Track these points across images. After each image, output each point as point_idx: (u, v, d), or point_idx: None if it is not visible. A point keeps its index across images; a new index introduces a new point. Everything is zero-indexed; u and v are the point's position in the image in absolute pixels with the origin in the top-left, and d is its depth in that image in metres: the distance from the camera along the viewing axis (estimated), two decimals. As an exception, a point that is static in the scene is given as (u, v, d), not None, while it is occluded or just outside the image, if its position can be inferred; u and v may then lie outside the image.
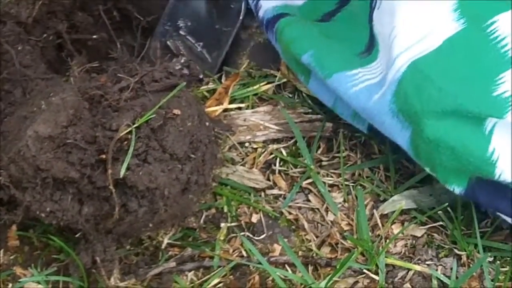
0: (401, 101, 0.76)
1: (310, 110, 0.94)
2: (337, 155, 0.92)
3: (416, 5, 0.76)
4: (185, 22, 0.99)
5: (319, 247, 0.87)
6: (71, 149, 0.75)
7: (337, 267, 0.80)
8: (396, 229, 0.86)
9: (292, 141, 0.93)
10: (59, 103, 0.76)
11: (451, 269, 0.83)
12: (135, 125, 0.75)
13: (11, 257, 0.86)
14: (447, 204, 0.84)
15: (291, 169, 0.91)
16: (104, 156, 0.76)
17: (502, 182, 0.73)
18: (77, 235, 0.80)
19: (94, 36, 1.00)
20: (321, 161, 0.92)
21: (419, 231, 0.86)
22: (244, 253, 0.86)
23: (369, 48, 0.85)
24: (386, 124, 0.79)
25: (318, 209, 0.89)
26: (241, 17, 0.99)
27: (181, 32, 0.99)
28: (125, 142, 0.76)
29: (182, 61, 0.84)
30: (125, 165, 0.74)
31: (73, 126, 0.75)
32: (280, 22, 0.91)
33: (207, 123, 0.83)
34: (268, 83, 0.97)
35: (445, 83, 0.73)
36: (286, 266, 0.85)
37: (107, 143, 0.75)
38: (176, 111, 0.78)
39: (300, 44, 0.88)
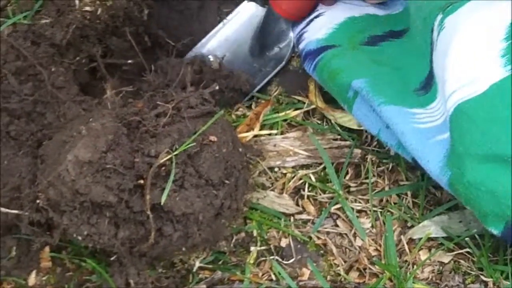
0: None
1: (338, 137, 0.96)
2: (365, 181, 0.93)
3: (465, 49, 0.77)
4: (223, 53, 1.01)
5: (347, 272, 0.88)
6: (109, 174, 0.76)
7: (366, 292, 0.82)
8: (423, 255, 0.87)
9: (321, 166, 0.94)
10: (99, 128, 0.77)
11: (478, 295, 0.84)
12: (175, 153, 0.76)
13: (43, 278, 0.87)
14: (475, 231, 0.85)
15: (320, 194, 0.92)
16: (141, 182, 0.77)
17: None
18: (111, 258, 0.81)
19: (129, 61, 1.02)
20: (349, 187, 0.93)
21: (446, 258, 0.87)
22: (273, 276, 0.87)
23: (426, 86, 0.86)
24: (430, 164, 0.80)
25: (346, 234, 0.90)
26: (284, 63, 1.01)
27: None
28: (163, 168, 0.77)
29: (217, 88, 0.86)
30: (166, 192, 0.75)
31: (112, 151, 0.77)
32: (326, 53, 0.93)
33: (240, 149, 0.85)
34: (296, 109, 0.98)
35: (488, 128, 0.74)
36: (315, 290, 0.86)
37: (145, 168, 0.77)
38: (213, 138, 0.80)
39: (351, 71, 0.90)
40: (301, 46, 0.97)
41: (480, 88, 0.76)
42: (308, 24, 0.98)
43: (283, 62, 1.01)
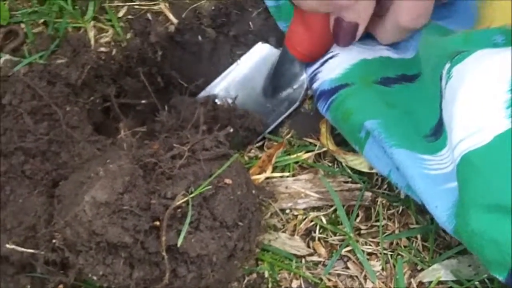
0: None
1: (349, 179, 0.97)
2: (375, 223, 0.94)
3: (471, 98, 0.79)
4: (236, 93, 1.02)
5: (358, 314, 0.89)
6: (126, 215, 0.77)
7: (377, 335, 0.82)
8: (433, 298, 0.88)
9: (332, 209, 0.95)
10: (116, 170, 0.78)
11: None
12: (191, 195, 0.77)
13: (57, 317, 0.88)
14: (485, 275, 0.85)
15: (331, 236, 0.93)
16: (157, 223, 0.78)
17: None
18: (126, 298, 0.82)
19: (143, 101, 1.03)
20: (360, 229, 0.94)
21: (456, 301, 0.88)
22: (284, 318, 0.88)
23: (435, 133, 0.87)
24: (438, 209, 0.81)
25: (357, 276, 0.91)
26: (297, 103, 1.02)
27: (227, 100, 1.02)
28: (179, 210, 0.78)
29: (231, 130, 0.87)
30: (182, 234, 0.76)
31: (129, 193, 0.78)
32: (339, 93, 0.94)
33: (253, 191, 0.86)
34: (308, 151, 0.99)
35: (492, 178, 0.75)
36: (326, 332, 0.87)
37: (161, 210, 0.78)
38: (228, 181, 0.81)
39: (363, 112, 0.91)
40: (314, 86, 0.98)
41: (486, 139, 0.77)
42: (322, 64, 0.99)
43: (297, 103, 1.02)
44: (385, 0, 0.91)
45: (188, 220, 0.77)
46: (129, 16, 1.11)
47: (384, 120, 0.90)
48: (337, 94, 0.94)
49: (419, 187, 0.84)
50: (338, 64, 0.98)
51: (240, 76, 1.06)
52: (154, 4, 1.11)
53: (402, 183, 0.90)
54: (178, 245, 0.77)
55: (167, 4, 1.11)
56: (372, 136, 0.90)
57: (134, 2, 1.12)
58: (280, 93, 1.03)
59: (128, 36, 1.08)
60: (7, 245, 0.81)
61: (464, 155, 0.78)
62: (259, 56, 1.06)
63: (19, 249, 0.81)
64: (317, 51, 1.00)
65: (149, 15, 1.10)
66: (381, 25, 0.95)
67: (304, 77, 1.02)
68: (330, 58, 0.99)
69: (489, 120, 0.77)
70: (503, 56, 0.80)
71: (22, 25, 1.08)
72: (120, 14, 1.11)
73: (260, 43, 1.06)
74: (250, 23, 1.09)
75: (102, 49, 1.05)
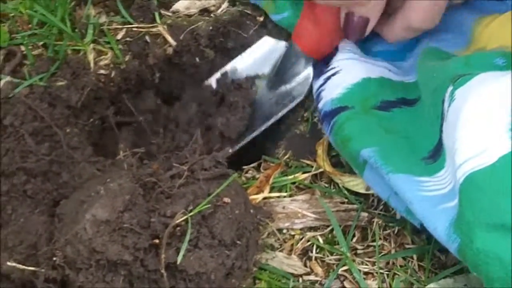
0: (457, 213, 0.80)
1: (346, 200, 0.98)
2: (372, 244, 0.95)
3: (475, 120, 0.80)
4: None
5: (354, 333, 0.89)
6: (126, 233, 0.78)
7: None
8: (429, 317, 0.89)
9: (329, 229, 0.96)
10: (116, 188, 0.80)
11: None
12: (190, 214, 0.78)
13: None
14: (480, 294, 0.87)
15: (328, 256, 0.94)
16: (157, 241, 0.79)
17: None
18: (125, 315, 0.83)
19: (140, 118, 1.04)
20: (357, 249, 0.95)
21: (452, 320, 0.89)
22: (281, 337, 0.89)
23: (434, 155, 0.88)
24: (437, 230, 0.82)
25: (353, 295, 0.92)
26: (302, 97, 1.02)
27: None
28: (178, 228, 0.79)
29: (230, 150, 0.88)
30: (182, 252, 0.77)
31: (129, 211, 0.79)
32: (339, 116, 0.95)
33: (251, 211, 0.87)
34: (305, 172, 1.00)
35: (496, 198, 0.76)
36: None
37: (161, 228, 0.79)
38: (226, 200, 0.82)
39: (361, 140, 0.92)
40: (319, 105, 0.99)
41: (490, 160, 0.77)
42: (325, 81, 1.00)
43: (301, 97, 1.03)
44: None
45: (187, 238, 0.78)
46: (128, 39, 1.12)
47: (380, 147, 0.91)
48: (337, 118, 0.96)
49: (417, 210, 0.85)
50: (340, 82, 0.99)
51: (245, 68, 1.07)
52: (153, 27, 1.13)
53: (401, 208, 0.91)
54: (178, 263, 0.78)
55: (165, 26, 1.13)
56: (369, 163, 0.91)
57: (133, 24, 1.14)
58: (284, 86, 1.04)
59: (127, 58, 1.09)
60: (8, 263, 0.82)
61: (468, 175, 0.78)
62: (265, 49, 1.07)
63: (20, 266, 0.82)
64: (325, 47, 1.01)
65: (147, 37, 1.12)
66: (389, 24, 0.97)
67: (309, 71, 1.03)
68: (333, 75, 1.00)
69: (493, 142, 0.78)
70: (505, 79, 0.81)
71: (22, 47, 1.09)
72: (119, 36, 1.13)
73: (266, 36, 1.07)
74: (249, 41, 1.11)
75: (102, 71, 1.07)
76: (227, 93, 1.06)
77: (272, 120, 1.03)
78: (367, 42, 1.05)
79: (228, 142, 1.03)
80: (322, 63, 1.03)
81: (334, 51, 1.02)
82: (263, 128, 1.03)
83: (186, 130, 1.05)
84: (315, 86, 1.02)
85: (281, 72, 1.04)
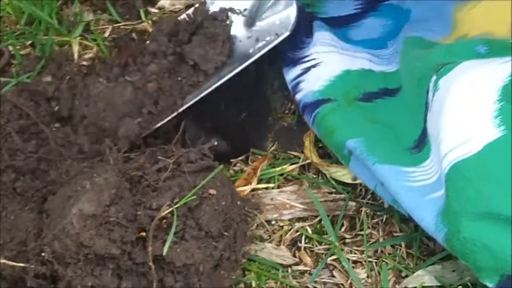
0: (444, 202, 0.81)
1: (333, 190, 0.98)
2: (360, 233, 0.95)
3: (460, 109, 0.80)
4: None
5: (344, 322, 0.90)
6: (113, 227, 0.79)
7: None
8: (418, 304, 0.90)
9: (317, 219, 0.97)
10: (102, 183, 0.80)
11: None
12: (176, 206, 0.79)
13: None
14: (468, 279, 0.87)
15: (316, 246, 0.95)
16: (144, 234, 0.80)
17: None
18: (115, 308, 0.83)
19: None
20: (345, 238, 0.95)
21: (440, 306, 0.90)
22: (272, 327, 0.89)
23: (419, 145, 0.89)
24: (424, 221, 0.83)
25: (342, 284, 0.92)
26: (288, 32, 0.98)
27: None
28: (164, 221, 0.80)
29: (216, 143, 0.89)
30: (167, 243, 0.78)
31: (115, 205, 0.80)
32: (322, 107, 0.96)
33: (238, 202, 0.87)
34: (292, 164, 1.01)
35: (482, 186, 0.77)
36: None
37: (147, 221, 0.80)
38: (212, 191, 0.83)
39: (345, 131, 0.93)
40: (297, 96, 0.99)
41: (475, 148, 0.78)
42: (304, 72, 1.00)
43: (286, 34, 0.98)
44: None
45: (173, 229, 0.79)
46: (114, 35, 1.13)
47: (365, 138, 0.92)
48: (320, 108, 0.96)
49: (404, 200, 0.86)
50: (320, 74, 0.99)
51: (221, 2, 1.02)
52: (138, 23, 1.14)
53: (388, 198, 0.91)
54: (163, 254, 0.78)
55: (149, 22, 1.13)
56: (354, 154, 0.92)
57: (120, 23, 1.14)
58: (265, 23, 1.01)
59: (113, 54, 1.10)
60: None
61: (453, 165, 0.79)
62: None
63: (10, 263, 0.82)
64: None
65: (133, 34, 1.12)
66: None
67: (290, 11, 0.98)
68: (313, 66, 1.00)
69: (478, 130, 0.79)
70: (488, 67, 0.82)
71: (10, 47, 1.10)
72: (106, 34, 1.13)
73: None
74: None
75: (84, 63, 1.07)
76: (204, 24, 1.01)
77: (256, 57, 0.99)
78: (348, 31, 1.06)
79: (202, 75, 0.99)
80: (294, 48, 1.03)
81: (307, 39, 1.02)
82: (244, 65, 0.98)
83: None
84: (291, 75, 1.02)
85: (260, 10, 1.00)
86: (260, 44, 0.99)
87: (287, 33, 0.98)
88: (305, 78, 1.00)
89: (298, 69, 1.01)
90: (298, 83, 1.00)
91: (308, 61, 1.01)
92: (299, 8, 0.98)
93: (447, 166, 0.80)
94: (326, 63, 1.00)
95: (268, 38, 0.99)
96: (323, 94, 0.97)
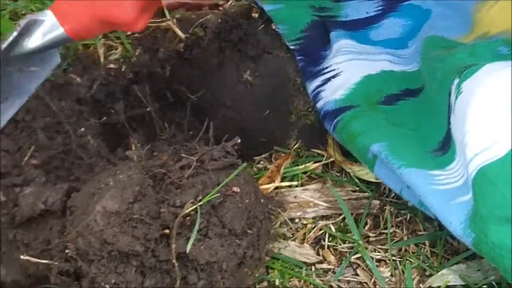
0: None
1: (357, 188, 0.98)
2: (384, 231, 0.95)
3: (484, 113, 0.80)
4: None
5: (368, 320, 0.90)
6: (136, 224, 0.79)
7: None
8: (442, 303, 0.89)
9: (341, 217, 0.96)
10: (126, 180, 0.80)
11: None
12: (199, 203, 0.79)
13: (71, 327, 0.89)
14: (492, 278, 0.86)
15: (340, 244, 0.95)
16: (167, 231, 0.79)
17: None
18: (138, 306, 0.83)
19: (148, 109, 1.03)
20: (369, 237, 0.95)
21: (465, 305, 0.89)
22: (295, 325, 0.89)
23: (443, 147, 0.88)
24: (452, 225, 0.82)
25: (366, 283, 0.92)
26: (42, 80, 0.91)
27: None
28: (188, 218, 0.80)
29: (239, 141, 0.88)
30: (191, 241, 0.78)
31: (139, 202, 0.79)
32: (344, 115, 0.96)
33: (262, 200, 0.87)
34: (316, 162, 1.01)
35: (508, 190, 0.76)
36: (337, 338, 0.88)
37: (171, 218, 0.79)
38: (236, 189, 0.82)
39: (368, 136, 0.93)
40: (318, 105, 0.99)
41: (500, 152, 0.78)
42: (325, 82, 1.00)
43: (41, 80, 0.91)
44: None
45: (196, 227, 0.79)
46: (137, 35, 1.13)
47: (390, 142, 0.91)
48: (342, 116, 0.96)
49: (431, 204, 0.85)
50: (341, 84, 0.99)
51: None
52: (162, 21, 1.14)
53: (414, 200, 0.91)
54: (187, 252, 0.78)
55: (174, 21, 1.13)
56: (379, 158, 0.91)
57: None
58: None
59: (137, 52, 1.10)
60: (22, 257, 0.83)
61: (479, 169, 0.79)
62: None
63: (34, 260, 0.82)
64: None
65: (157, 32, 1.12)
66: None
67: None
68: (333, 77, 1.00)
69: (502, 134, 0.79)
70: (509, 70, 0.81)
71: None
72: (129, 32, 1.13)
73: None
74: (257, 34, 1.10)
75: (112, 65, 1.07)
76: None
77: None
78: (368, 32, 1.05)
79: None
80: (313, 63, 1.03)
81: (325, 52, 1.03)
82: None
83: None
84: (311, 87, 1.02)
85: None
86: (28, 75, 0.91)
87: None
88: (326, 87, 1.00)
89: (318, 80, 1.02)
90: (319, 92, 1.00)
91: (328, 72, 1.01)
92: (313, 23, 1.00)
93: (473, 171, 0.79)
94: (347, 72, 1.00)
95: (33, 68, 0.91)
96: (345, 102, 0.98)
